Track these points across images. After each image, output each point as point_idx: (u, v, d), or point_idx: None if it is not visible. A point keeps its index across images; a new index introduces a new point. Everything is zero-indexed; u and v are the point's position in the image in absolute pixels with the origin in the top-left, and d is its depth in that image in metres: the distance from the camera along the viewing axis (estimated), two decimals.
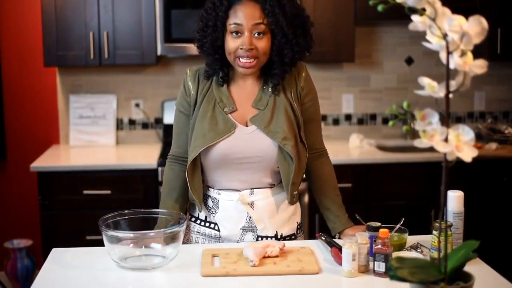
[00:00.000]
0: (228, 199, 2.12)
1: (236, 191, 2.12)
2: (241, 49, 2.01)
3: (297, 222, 2.22)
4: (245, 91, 2.13)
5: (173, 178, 2.20)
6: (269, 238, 2.14)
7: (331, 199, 2.22)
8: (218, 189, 2.14)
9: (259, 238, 2.14)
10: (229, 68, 2.12)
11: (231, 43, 2.03)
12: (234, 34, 2.02)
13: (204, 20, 2.08)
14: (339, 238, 2.15)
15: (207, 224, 2.17)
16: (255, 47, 2.01)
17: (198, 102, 2.11)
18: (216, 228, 2.16)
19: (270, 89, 2.11)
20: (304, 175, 2.22)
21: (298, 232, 2.23)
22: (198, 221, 2.20)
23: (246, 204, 2.11)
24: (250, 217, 2.12)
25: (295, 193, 2.15)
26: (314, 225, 3.72)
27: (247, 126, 2.09)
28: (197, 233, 2.20)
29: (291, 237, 2.20)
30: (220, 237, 2.16)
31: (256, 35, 2.02)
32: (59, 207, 3.69)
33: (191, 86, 2.13)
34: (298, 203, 2.23)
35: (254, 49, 2.01)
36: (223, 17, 2.03)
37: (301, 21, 2.07)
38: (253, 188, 2.11)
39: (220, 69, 2.11)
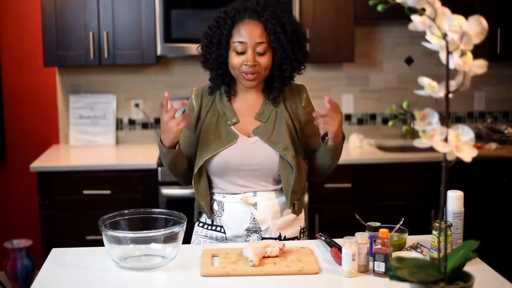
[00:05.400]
0: (232, 201, 2.19)
1: (240, 194, 2.19)
2: (245, 65, 2.13)
3: (300, 226, 2.28)
4: (247, 104, 2.24)
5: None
6: (272, 240, 2.16)
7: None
8: (223, 193, 2.21)
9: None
10: (231, 82, 2.23)
11: (235, 59, 2.14)
12: (238, 51, 2.13)
13: (209, 37, 2.18)
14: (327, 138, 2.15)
15: (213, 228, 2.24)
16: (258, 63, 2.13)
17: (201, 116, 2.23)
18: (222, 230, 2.22)
19: (272, 104, 2.22)
20: (306, 185, 2.29)
21: (301, 236, 2.28)
22: (206, 226, 2.26)
23: (250, 205, 2.17)
24: (254, 218, 2.17)
25: (296, 202, 2.21)
26: (314, 225, 3.72)
27: (249, 137, 2.19)
28: (204, 237, 2.26)
29: (293, 239, 2.24)
30: (226, 239, 2.21)
31: (258, 52, 2.13)
32: (59, 207, 3.69)
33: (194, 102, 2.26)
34: (303, 210, 2.29)
35: (257, 65, 2.13)
36: (227, 35, 2.14)
37: (299, 38, 2.18)
38: (256, 191, 2.19)
39: (222, 83, 2.22)
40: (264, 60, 2.13)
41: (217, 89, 2.24)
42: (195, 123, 2.23)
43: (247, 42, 2.12)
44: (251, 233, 2.18)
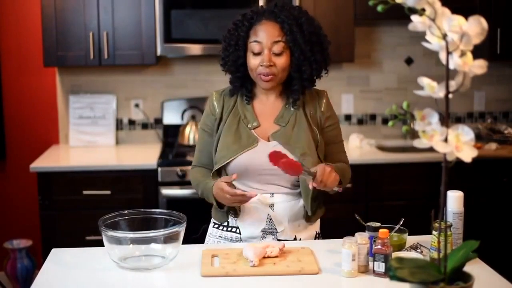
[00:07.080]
0: (249, 202, 2.15)
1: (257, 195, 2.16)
2: (261, 66, 2.13)
3: (316, 231, 2.28)
4: (267, 107, 2.23)
5: (201, 172, 2.27)
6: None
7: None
8: None
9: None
10: (252, 85, 2.23)
11: (252, 60, 2.15)
12: (255, 52, 2.14)
13: (227, 40, 2.19)
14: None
15: (228, 229, 2.23)
16: (274, 64, 2.13)
17: (223, 118, 2.22)
18: (237, 231, 2.21)
19: (292, 108, 2.21)
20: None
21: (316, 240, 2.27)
22: (221, 227, 2.25)
23: (267, 206, 2.16)
24: (271, 219, 2.17)
25: (315, 208, 2.20)
26: None
27: (269, 141, 2.18)
28: (219, 238, 2.25)
29: None
30: (241, 239, 2.20)
31: (275, 52, 2.12)
32: (59, 207, 3.68)
33: (216, 104, 2.24)
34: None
35: (273, 66, 2.13)
36: (244, 36, 2.15)
37: (319, 39, 2.17)
38: (273, 193, 2.18)
39: (242, 86, 2.22)
40: (281, 61, 2.13)
41: (237, 92, 2.24)
42: (216, 128, 2.22)
43: (263, 42, 2.12)
44: (267, 234, 2.18)
